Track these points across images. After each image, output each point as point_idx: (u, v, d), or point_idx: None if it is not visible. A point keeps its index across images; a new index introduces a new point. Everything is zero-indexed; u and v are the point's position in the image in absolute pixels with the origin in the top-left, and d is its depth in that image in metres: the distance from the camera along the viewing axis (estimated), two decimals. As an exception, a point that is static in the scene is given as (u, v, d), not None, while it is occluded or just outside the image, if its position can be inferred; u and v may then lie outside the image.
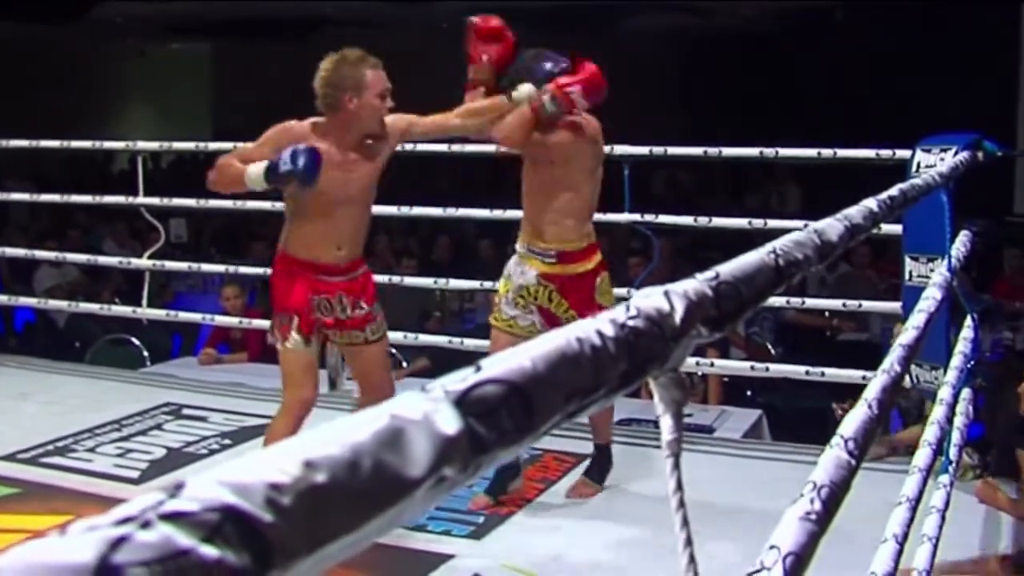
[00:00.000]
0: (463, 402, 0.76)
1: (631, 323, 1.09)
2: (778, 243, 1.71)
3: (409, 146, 6.70)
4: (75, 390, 7.13)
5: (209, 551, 0.55)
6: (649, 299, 1.18)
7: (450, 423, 0.73)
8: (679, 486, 1.24)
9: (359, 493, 0.63)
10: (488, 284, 7.28)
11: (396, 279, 7.64)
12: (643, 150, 6.54)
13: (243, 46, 21.74)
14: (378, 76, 4.71)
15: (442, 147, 6.87)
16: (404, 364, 7.93)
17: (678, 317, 1.19)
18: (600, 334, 1.01)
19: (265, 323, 7.06)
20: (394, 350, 7.91)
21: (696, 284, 1.30)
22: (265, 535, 0.57)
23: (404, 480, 0.66)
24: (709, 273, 1.38)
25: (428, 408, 0.73)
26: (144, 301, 7.50)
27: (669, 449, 1.25)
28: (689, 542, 1.26)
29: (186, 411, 6.68)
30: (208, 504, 0.56)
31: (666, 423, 1.25)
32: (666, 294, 1.21)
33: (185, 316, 7.91)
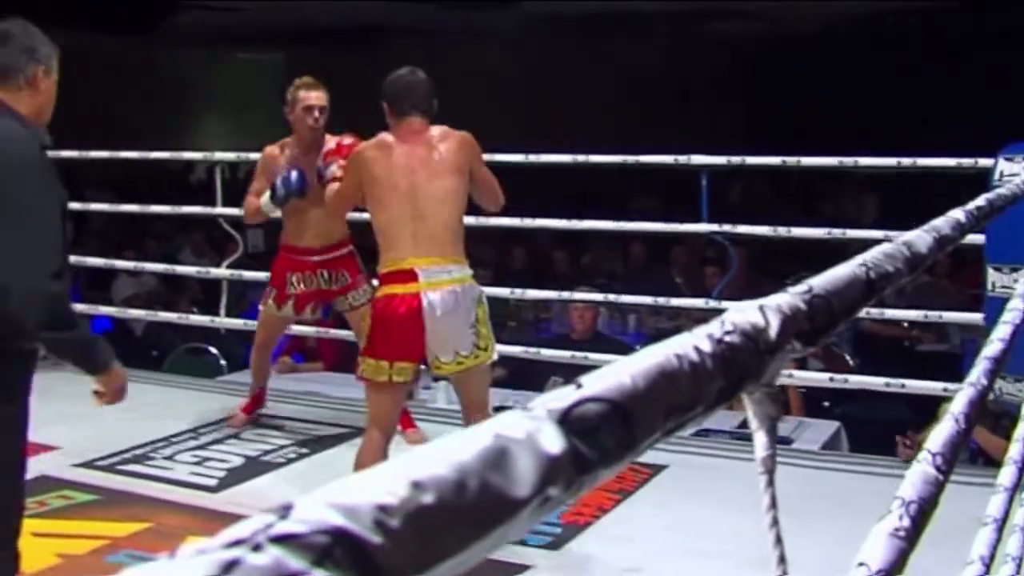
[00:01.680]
0: (565, 420, 0.75)
1: (727, 338, 1.07)
2: (868, 255, 1.68)
3: (487, 156, 6.73)
4: (153, 398, 7.17)
5: (320, 575, 0.55)
6: (744, 313, 1.17)
7: (554, 442, 0.71)
8: (773, 503, 1.22)
9: (466, 514, 0.62)
10: (565, 294, 7.26)
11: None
12: (721, 160, 6.50)
13: (316, 55, 21.90)
14: (307, 95, 6.05)
15: (519, 157, 6.87)
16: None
17: (773, 332, 1.18)
18: (698, 350, 1.00)
19: (342, 332, 7.12)
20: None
21: (789, 298, 1.28)
22: (374, 558, 0.56)
23: (510, 500, 0.65)
24: (801, 287, 1.35)
25: (531, 427, 0.72)
26: (222, 311, 7.56)
27: (763, 466, 1.23)
28: (783, 559, 1.24)
29: (263, 420, 6.71)
30: (318, 526, 0.55)
31: (760, 439, 1.23)
32: (761, 308, 1.20)
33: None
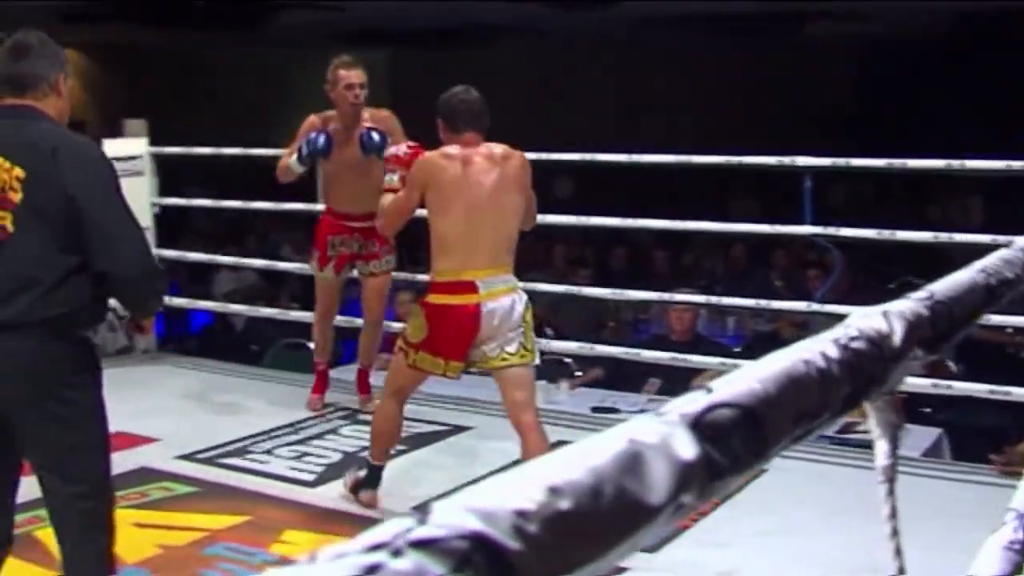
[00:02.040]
0: (698, 426, 0.73)
1: (853, 344, 1.05)
2: (987, 261, 1.65)
3: (589, 156, 6.73)
4: (252, 393, 7.25)
5: (459, 581, 0.54)
6: (868, 319, 1.14)
7: (687, 448, 0.70)
8: (894, 513, 1.19)
9: (602, 520, 0.61)
10: (665, 296, 7.22)
11: (573, 289, 7.63)
12: (825, 161, 6.42)
13: (420, 54, 21.98)
14: (347, 74, 6.44)
15: (622, 157, 6.85)
16: (579, 373, 7.90)
17: (897, 338, 1.15)
18: (825, 355, 0.98)
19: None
20: (568, 359, 7.91)
21: (912, 304, 1.26)
22: (513, 564, 0.55)
23: (645, 507, 0.64)
24: (922, 293, 1.33)
25: (664, 431, 0.71)
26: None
27: (884, 475, 1.21)
28: (902, 571, 1.22)
29: (361, 416, 6.74)
30: (457, 531, 0.54)
31: (881, 447, 1.21)
32: (885, 314, 1.17)
33: (361, 322, 7.98)
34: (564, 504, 0.59)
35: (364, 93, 6.47)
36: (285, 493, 5.53)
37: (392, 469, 5.84)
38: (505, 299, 4.97)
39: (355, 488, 5.39)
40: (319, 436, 6.38)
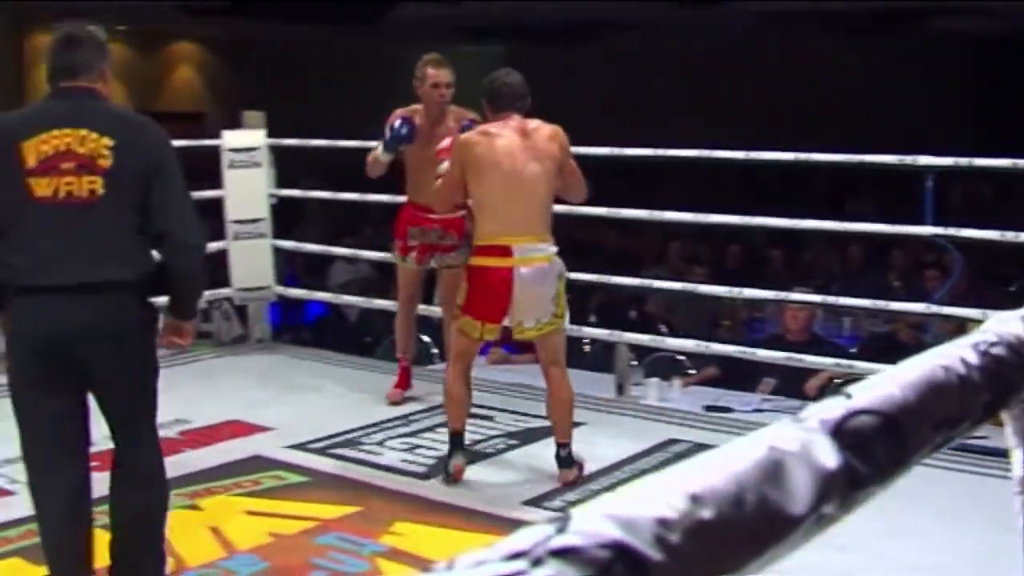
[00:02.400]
0: (839, 433, 0.70)
1: (993, 350, 1.01)
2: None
3: (707, 152, 6.67)
4: (365, 384, 7.27)
5: (600, 591, 0.52)
6: (1007, 324, 1.10)
7: (829, 456, 0.67)
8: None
9: (744, 530, 0.58)
10: (782, 295, 7.14)
11: (689, 286, 7.58)
12: (947, 161, 6.30)
13: (536, 49, 21.98)
14: (435, 73, 6.53)
15: (740, 154, 6.78)
16: (692, 372, 7.84)
17: (1038, 344, 1.11)
18: (964, 361, 0.94)
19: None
20: (682, 357, 7.86)
21: (1051, 308, 1.21)
22: (654, 575, 0.53)
23: (787, 517, 0.61)
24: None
25: (804, 438, 0.68)
26: (435, 299, 7.62)
27: (1021, 486, 1.16)
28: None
29: (473, 409, 6.72)
30: (598, 540, 0.52)
31: (1018, 457, 1.17)
32: (1023, 319, 1.13)
33: (478, 315, 8.00)
34: (706, 513, 0.57)
35: (450, 92, 6.57)
36: (396, 485, 5.54)
37: (503, 464, 5.84)
38: (540, 267, 5.38)
39: (445, 469, 5.60)
40: (431, 429, 6.39)
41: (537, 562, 0.51)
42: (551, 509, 5.18)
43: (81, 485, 4.06)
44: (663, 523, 0.54)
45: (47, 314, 3.83)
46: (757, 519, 0.59)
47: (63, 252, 3.84)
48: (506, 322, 5.51)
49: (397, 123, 6.48)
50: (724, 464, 0.61)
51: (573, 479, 5.57)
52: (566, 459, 5.59)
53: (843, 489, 0.67)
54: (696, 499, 0.56)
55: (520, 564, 0.50)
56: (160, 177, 3.94)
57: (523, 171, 5.37)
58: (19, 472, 5.57)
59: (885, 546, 4.72)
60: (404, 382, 7.04)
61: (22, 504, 5.14)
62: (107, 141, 3.87)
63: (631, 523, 0.54)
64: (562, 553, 0.51)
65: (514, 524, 4.50)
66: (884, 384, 0.79)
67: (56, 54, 4.04)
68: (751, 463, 0.62)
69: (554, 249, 5.46)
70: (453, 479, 5.51)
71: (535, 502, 5.28)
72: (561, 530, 0.53)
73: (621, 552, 0.52)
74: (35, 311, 3.84)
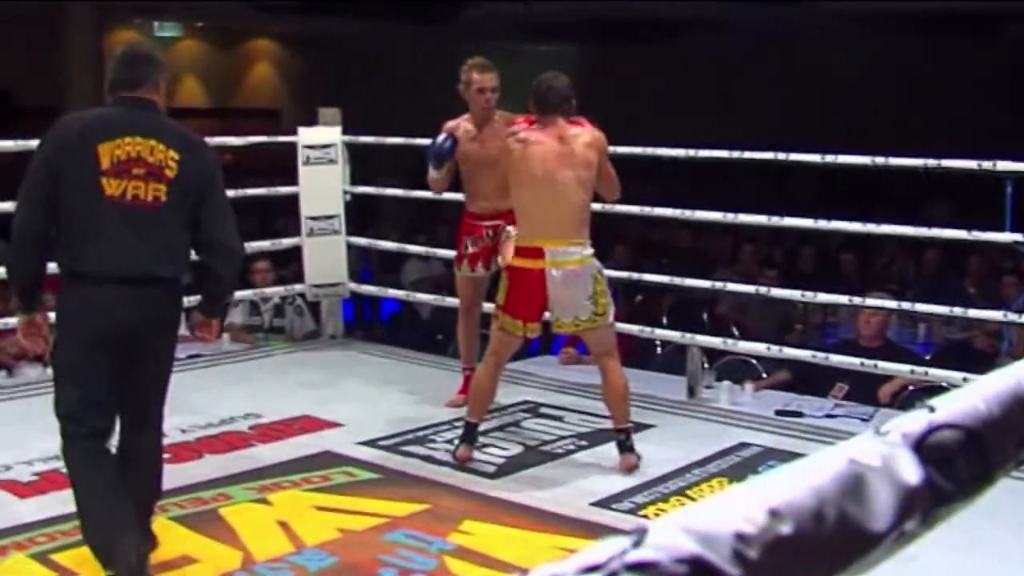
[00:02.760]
0: (921, 448, 0.69)
1: (1079, 362, 0.98)
2: None
3: (781, 154, 6.61)
4: (436, 382, 7.28)
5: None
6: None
7: (912, 472, 0.66)
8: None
9: (823, 547, 0.57)
10: (857, 299, 7.07)
11: (763, 289, 7.52)
12: (1029, 166, 6.21)
13: (609, 48, 21.93)
14: (480, 78, 6.52)
15: (814, 157, 6.72)
16: (765, 376, 7.78)
17: (1125, 357, 1.08)
18: (1051, 374, 0.91)
19: (628, 327, 7.14)
20: (754, 360, 7.81)
21: None
22: (732, 592, 0.52)
23: (867, 534, 0.59)
24: None
25: (886, 452, 0.66)
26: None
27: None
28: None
29: (543, 409, 6.74)
30: (675, 555, 0.51)
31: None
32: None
33: (548, 315, 7.97)
34: (785, 528, 0.55)
35: (495, 97, 6.60)
36: (465, 483, 5.54)
37: (572, 464, 5.83)
38: (571, 270, 5.57)
39: (454, 453, 5.84)
40: (500, 428, 6.38)
41: (612, 576, 0.49)
42: (619, 511, 5.16)
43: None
44: (742, 538, 0.53)
45: (108, 301, 4.23)
46: (837, 536, 0.58)
47: (127, 247, 4.25)
48: (547, 316, 5.79)
49: (440, 139, 6.57)
50: (804, 477, 0.59)
51: (633, 465, 5.66)
52: (625, 444, 5.72)
53: (925, 506, 0.66)
54: (775, 514, 0.55)
55: (594, 578, 0.49)
56: (213, 190, 4.44)
57: (556, 178, 5.54)
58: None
59: (958, 560, 4.65)
60: (467, 389, 7.01)
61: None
62: (173, 154, 4.32)
63: (709, 537, 0.52)
64: (638, 567, 0.50)
65: (582, 525, 4.51)
66: (968, 397, 0.77)
67: (119, 66, 4.47)
68: (831, 477, 0.60)
69: (589, 252, 5.63)
70: (459, 463, 5.75)
71: (603, 503, 5.26)
72: (637, 543, 0.51)
73: (699, 567, 0.51)
74: (97, 298, 4.24)
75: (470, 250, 6.78)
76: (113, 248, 4.23)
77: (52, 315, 4.46)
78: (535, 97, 5.69)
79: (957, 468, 0.70)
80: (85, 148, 4.25)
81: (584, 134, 5.64)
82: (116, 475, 4.29)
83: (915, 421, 0.70)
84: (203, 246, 4.45)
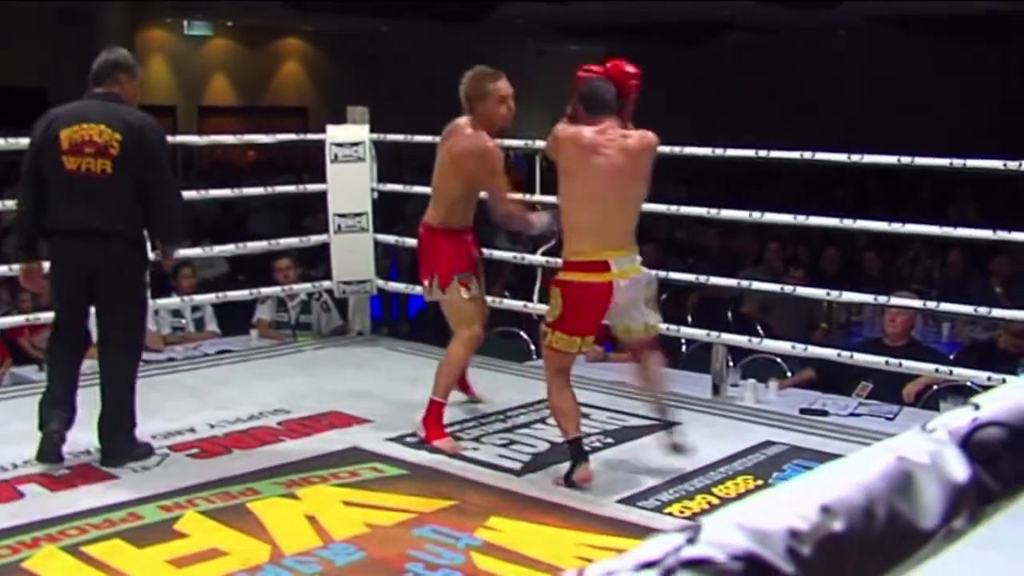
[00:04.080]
0: (968, 445, 0.69)
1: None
2: None
3: (808, 154, 6.59)
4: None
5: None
6: None
7: (959, 469, 0.66)
8: None
9: (874, 544, 0.57)
10: (882, 299, 7.06)
11: (788, 288, 7.50)
12: (1054, 166, 6.18)
13: (639, 49, 21.91)
14: (501, 86, 6.15)
15: (841, 157, 6.70)
16: (790, 374, 7.77)
17: None
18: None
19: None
20: (779, 359, 7.80)
21: None
22: (786, 587, 0.52)
23: (917, 531, 0.60)
24: None
25: (933, 450, 0.67)
26: (535, 296, 7.62)
27: None
28: None
29: (569, 407, 6.74)
30: (730, 551, 0.52)
31: None
32: None
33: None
34: (837, 525, 0.56)
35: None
36: (492, 480, 5.55)
37: (599, 461, 5.82)
38: (634, 277, 5.51)
39: (568, 479, 5.48)
40: (528, 425, 6.39)
41: (668, 572, 0.50)
42: (645, 508, 5.17)
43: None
44: (795, 534, 0.53)
45: (70, 249, 5.56)
46: (887, 533, 0.58)
47: (82, 208, 5.47)
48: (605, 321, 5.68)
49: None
50: (853, 475, 0.60)
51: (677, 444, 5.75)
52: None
53: (973, 503, 0.66)
54: (827, 510, 0.56)
55: (651, 574, 0.50)
56: (153, 163, 5.59)
57: (626, 192, 5.44)
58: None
59: (976, 556, 4.62)
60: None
61: (125, 489, 5.25)
62: (118, 136, 5.50)
63: (763, 534, 0.53)
64: (694, 564, 0.51)
65: (608, 522, 4.51)
66: (1012, 395, 0.77)
67: (92, 68, 5.71)
68: (880, 474, 0.61)
69: (639, 259, 5.62)
70: (584, 485, 5.43)
71: (629, 500, 5.26)
72: (692, 540, 0.52)
73: (753, 563, 0.52)
74: (63, 247, 5.59)
75: (481, 269, 6.58)
76: (72, 209, 5.48)
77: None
78: (586, 99, 5.49)
79: (1002, 466, 0.70)
80: (53, 134, 5.52)
81: (642, 141, 5.48)
82: (74, 372, 5.63)
83: (960, 418, 0.71)
84: (145, 206, 5.58)
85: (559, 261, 7.31)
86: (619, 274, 5.42)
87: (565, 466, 5.61)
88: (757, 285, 7.76)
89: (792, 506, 0.56)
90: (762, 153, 7.01)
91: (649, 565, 0.51)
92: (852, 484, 0.59)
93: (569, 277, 5.47)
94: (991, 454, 0.69)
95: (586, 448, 5.66)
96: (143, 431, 5.76)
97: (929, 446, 0.66)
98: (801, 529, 0.54)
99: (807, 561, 0.53)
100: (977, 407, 0.74)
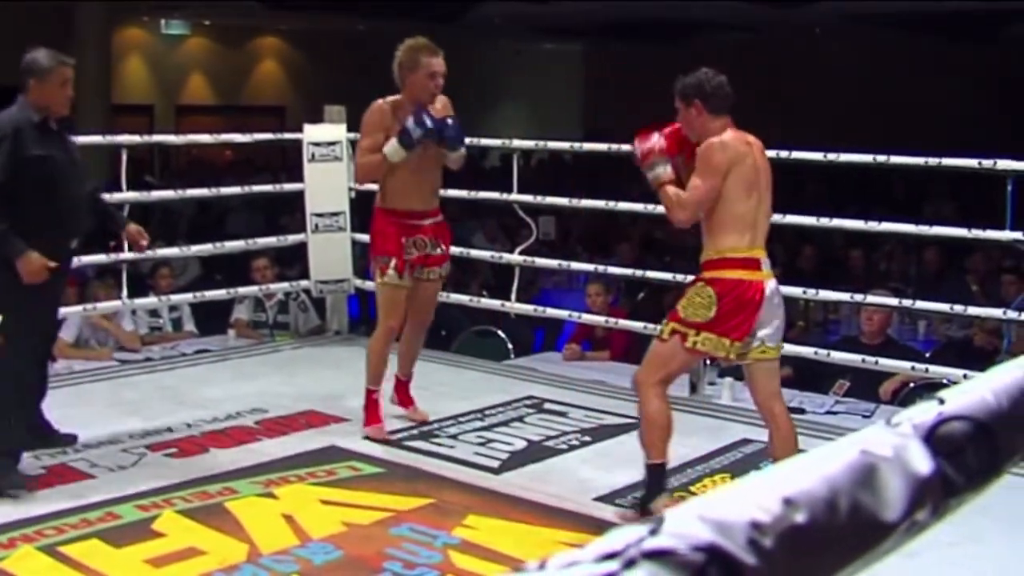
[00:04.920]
0: (932, 439, 0.70)
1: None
2: None
3: (784, 153, 6.59)
4: (441, 377, 7.28)
5: (695, 595, 0.52)
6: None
7: (923, 463, 0.67)
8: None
9: (836, 536, 0.58)
10: (858, 297, 7.08)
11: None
12: (1026, 165, 6.21)
13: (616, 48, 21.92)
14: (433, 61, 5.94)
15: (816, 155, 6.73)
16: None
17: None
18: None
19: (631, 324, 7.14)
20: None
21: None
22: (747, 579, 0.53)
23: (880, 523, 0.61)
24: None
25: (897, 443, 0.68)
26: (513, 295, 7.62)
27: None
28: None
29: (548, 405, 6.75)
30: (692, 542, 0.52)
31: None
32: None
33: (552, 312, 8.00)
34: (800, 517, 0.57)
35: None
36: (469, 478, 5.55)
37: (576, 460, 5.83)
38: (775, 281, 5.02)
39: (642, 508, 5.09)
40: (505, 423, 6.40)
41: (630, 564, 0.50)
42: (622, 506, 5.18)
43: None
44: (757, 527, 0.54)
45: None
46: (850, 525, 0.59)
47: None
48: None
49: (434, 120, 5.86)
50: (817, 468, 0.60)
51: None
52: None
53: (937, 496, 0.67)
54: (789, 503, 0.56)
55: (612, 565, 0.50)
56: None
57: (766, 188, 5.01)
58: (100, 456, 5.68)
59: (955, 553, 4.66)
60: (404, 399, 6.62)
61: (102, 488, 5.24)
62: None
63: (725, 526, 0.53)
64: (655, 555, 0.51)
65: (585, 520, 4.51)
66: (977, 390, 0.78)
67: None
68: (844, 467, 0.61)
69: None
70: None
71: (606, 498, 5.27)
72: (654, 532, 0.53)
73: (715, 555, 0.52)
74: None
75: (414, 254, 6.12)
76: None
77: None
78: (704, 95, 5.04)
79: (967, 460, 0.71)
80: None
81: (752, 138, 5.07)
82: None
83: (925, 413, 0.72)
84: None
85: (535, 260, 7.29)
86: (768, 275, 4.95)
87: (544, 465, 5.62)
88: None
89: (754, 498, 0.56)
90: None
91: (611, 556, 0.51)
92: (815, 477, 0.60)
93: (726, 275, 4.90)
94: (955, 448, 0.70)
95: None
96: (118, 430, 5.75)
97: (893, 440, 0.67)
98: (763, 521, 0.55)
99: (769, 553, 0.54)
100: (942, 401, 0.75)
